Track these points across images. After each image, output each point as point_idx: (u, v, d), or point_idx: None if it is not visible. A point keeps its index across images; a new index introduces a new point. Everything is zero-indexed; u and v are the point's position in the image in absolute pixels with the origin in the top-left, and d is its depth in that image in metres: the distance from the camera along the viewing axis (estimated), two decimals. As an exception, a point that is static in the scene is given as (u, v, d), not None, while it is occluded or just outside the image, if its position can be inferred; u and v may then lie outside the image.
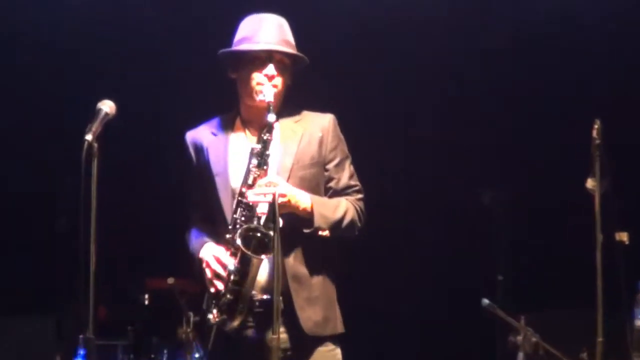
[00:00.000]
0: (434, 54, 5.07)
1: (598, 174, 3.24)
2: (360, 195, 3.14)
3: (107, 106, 2.79)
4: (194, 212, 3.19)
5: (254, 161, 2.93)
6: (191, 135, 3.19)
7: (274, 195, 2.75)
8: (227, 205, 3.00)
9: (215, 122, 3.20)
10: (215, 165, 3.07)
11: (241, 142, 3.11)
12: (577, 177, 3.33)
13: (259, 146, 2.93)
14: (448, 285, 5.22)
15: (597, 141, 3.22)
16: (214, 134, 3.14)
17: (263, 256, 2.83)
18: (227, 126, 3.16)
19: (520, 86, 5.12)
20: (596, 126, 3.23)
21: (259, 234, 2.82)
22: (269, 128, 2.92)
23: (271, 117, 2.91)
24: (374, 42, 5.08)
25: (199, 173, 3.13)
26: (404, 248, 5.22)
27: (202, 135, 3.16)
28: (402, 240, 5.22)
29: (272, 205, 2.76)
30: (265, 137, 2.92)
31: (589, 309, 3.19)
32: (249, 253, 2.82)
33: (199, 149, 3.14)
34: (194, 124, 3.21)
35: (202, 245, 3.04)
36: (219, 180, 3.05)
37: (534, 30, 5.00)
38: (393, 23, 5.01)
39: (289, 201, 2.90)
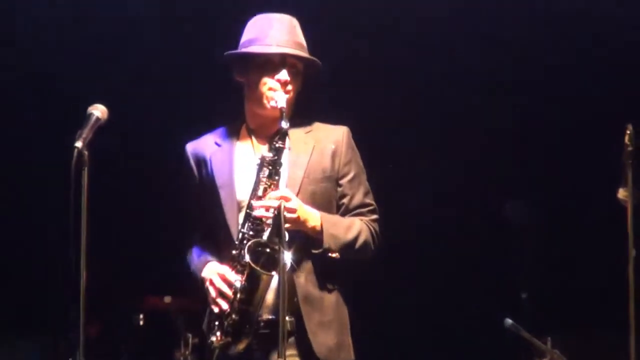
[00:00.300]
0: (455, 58, 5.06)
1: (630, 183, 3.21)
2: (375, 216, 3.13)
3: (98, 110, 2.79)
4: (194, 229, 3.19)
5: (265, 171, 2.92)
6: (192, 147, 3.18)
7: (279, 207, 2.73)
8: (233, 219, 2.99)
9: (218, 132, 3.19)
10: (219, 177, 3.06)
11: (247, 152, 3.10)
12: (608, 186, 3.31)
13: (270, 154, 2.91)
14: (468, 305, 5.19)
15: (630, 148, 3.20)
16: (218, 144, 3.13)
17: (273, 273, 2.81)
18: (232, 135, 3.15)
19: (545, 91, 5.10)
20: (628, 132, 3.20)
21: (268, 249, 2.81)
22: (282, 135, 2.90)
23: (285, 124, 2.89)
24: (389, 50, 5.07)
25: (201, 186, 3.12)
26: (420, 264, 5.19)
27: (205, 145, 3.15)
28: (418, 256, 5.19)
29: (277, 218, 2.74)
30: (277, 145, 2.90)
31: (621, 331, 3.16)
32: (258, 269, 2.80)
33: (201, 161, 3.12)
34: (195, 134, 3.21)
35: (204, 264, 3.04)
36: (223, 193, 3.03)
37: (561, 31, 4.98)
38: (410, 30, 5.00)
39: (298, 217, 2.88)
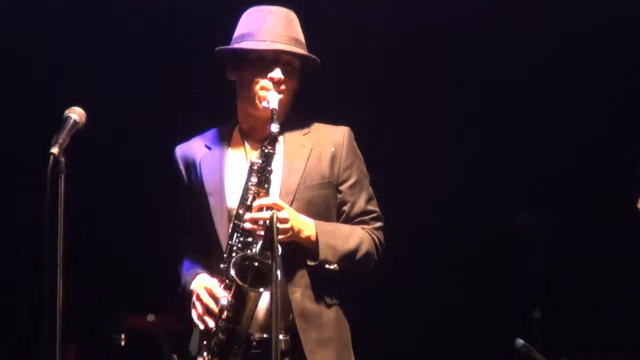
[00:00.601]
0: (466, 62, 5.07)
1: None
2: (379, 224, 3.11)
3: (75, 114, 2.78)
4: (185, 238, 3.18)
5: (253, 178, 2.90)
6: (181, 150, 3.17)
7: (271, 218, 2.69)
8: (222, 229, 2.97)
9: (209, 134, 3.18)
10: (208, 183, 3.05)
11: (239, 156, 3.08)
12: (626, 196, 3.31)
13: (259, 161, 2.89)
14: (476, 323, 5.18)
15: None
16: (208, 147, 3.12)
17: (261, 289, 2.79)
18: (223, 138, 3.13)
19: (559, 97, 5.10)
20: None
21: (256, 263, 2.79)
22: (272, 140, 2.87)
23: (275, 127, 2.87)
24: (398, 49, 5.07)
25: (190, 192, 3.11)
26: (426, 278, 5.18)
27: (194, 149, 3.14)
28: (424, 269, 5.19)
29: (269, 229, 2.70)
30: (267, 151, 2.88)
31: (638, 352, 3.16)
32: (245, 286, 2.78)
33: (191, 165, 3.12)
34: (183, 138, 3.20)
35: (194, 277, 3.03)
36: (212, 200, 3.02)
37: (585, 39, 4.99)
38: (421, 30, 5.01)
39: (290, 227, 2.87)
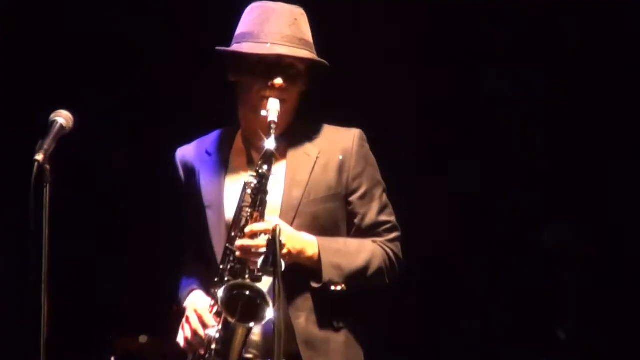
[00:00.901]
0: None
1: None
2: (393, 235, 3.06)
3: (62, 117, 2.76)
4: (188, 248, 3.16)
5: (247, 198, 2.85)
6: (182, 154, 3.15)
7: (274, 231, 2.61)
8: (220, 245, 2.93)
9: (212, 137, 3.15)
10: (207, 195, 3.02)
11: (241, 165, 3.04)
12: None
13: (254, 181, 2.83)
14: (499, 343, 5.18)
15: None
16: (209, 154, 3.09)
17: (251, 324, 2.73)
18: (225, 143, 3.10)
19: (596, 98, 5.09)
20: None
21: (248, 293, 2.74)
22: (268, 158, 2.81)
23: (269, 144, 2.81)
24: (411, 43, 5.07)
25: (189, 202, 3.09)
26: (447, 296, 5.17)
27: (195, 154, 3.12)
28: (444, 286, 5.18)
29: (271, 243, 2.62)
30: (261, 171, 2.81)
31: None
32: (233, 321, 2.73)
33: (190, 172, 3.09)
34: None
35: (189, 293, 3.01)
36: (210, 213, 2.99)
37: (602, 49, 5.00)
38: (440, 27, 5.01)
39: (287, 253, 2.81)
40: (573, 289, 5.13)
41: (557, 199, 5.13)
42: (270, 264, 2.58)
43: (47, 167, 2.64)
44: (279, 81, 2.94)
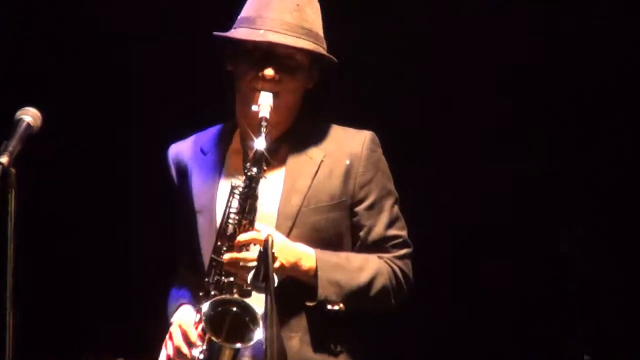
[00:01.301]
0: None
1: None
2: (403, 251, 3.02)
3: (29, 115, 2.75)
4: (179, 255, 3.15)
5: (235, 203, 2.82)
6: (174, 151, 3.15)
7: (265, 241, 2.56)
8: (209, 254, 2.88)
9: (208, 134, 3.14)
10: (198, 199, 3.00)
11: (237, 165, 3.01)
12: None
13: (241, 184, 2.81)
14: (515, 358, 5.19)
15: None
16: (204, 152, 3.07)
17: (238, 345, 2.71)
18: (222, 141, 3.09)
19: (613, 99, 5.11)
20: None
21: (235, 309, 2.71)
22: (257, 160, 2.79)
23: (259, 144, 2.79)
24: (429, 40, 5.08)
25: (180, 204, 3.08)
26: (456, 312, 5.18)
27: (188, 152, 3.10)
28: (453, 301, 5.18)
29: (262, 255, 2.57)
30: (250, 173, 2.79)
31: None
32: (218, 342, 2.71)
33: (183, 173, 3.08)
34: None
35: (177, 308, 3.00)
36: (201, 220, 2.97)
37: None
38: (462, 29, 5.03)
39: (280, 267, 2.77)
40: (593, 301, 5.15)
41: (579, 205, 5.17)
42: (262, 278, 2.53)
43: (13, 170, 2.62)
44: (269, 72, 2.92)
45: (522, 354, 5.18)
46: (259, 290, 2.57)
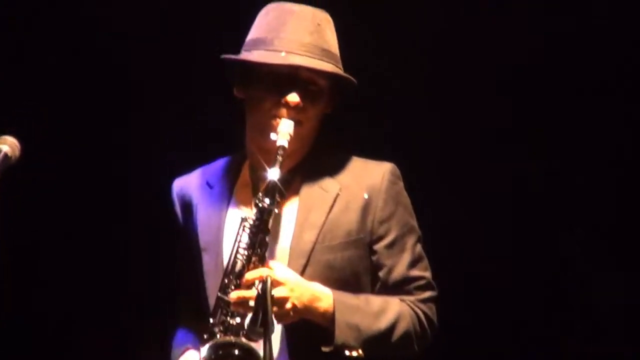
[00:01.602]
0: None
1: None
2: (427, 294, 2.88)
3: (7, 145, 2.68)
4: (183, 299, 3.01)
5: (244, 237, 2.67)
6: (179, 185, 3.00)
7: (264, 281, 2.47)
8: (215, 295, 2.74)
9: (214, 166, 2.99)
10: (204, 236, 2.86)
11: (246, 200, 2.87)
12: None
13: (252, 215, 2.65)
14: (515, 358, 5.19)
15: None
16: (210, 186, 2.93)
17: None
18: (230, 174, 2.94)
19: (613, 99, 5.08)
20: None
21: (237, 352, 2.54)
22: (270, 190, 2.63)
23: (273, 174, 2.63)
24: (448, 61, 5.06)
25: (184, 242, 2.94)
26: (458, 309, 5.17)
27: (194, 186, 2.96)
28: (456, 298, 5.16)
29: (260, 298, 2.46)
30: (262, 205, 2.64)
31: None
32: None
33: (188, 207, 2.94)
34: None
35: (182, 354, 2.87)
36: (207, 258, 2.84)
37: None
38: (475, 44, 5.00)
39: (292, 307, 2.63)
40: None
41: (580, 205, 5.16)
42: (259, 324, 2.42)
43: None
44: (294, 98, 2.76)
45: (522, 354, 5.16)
46: (258, 337, 2.46)
